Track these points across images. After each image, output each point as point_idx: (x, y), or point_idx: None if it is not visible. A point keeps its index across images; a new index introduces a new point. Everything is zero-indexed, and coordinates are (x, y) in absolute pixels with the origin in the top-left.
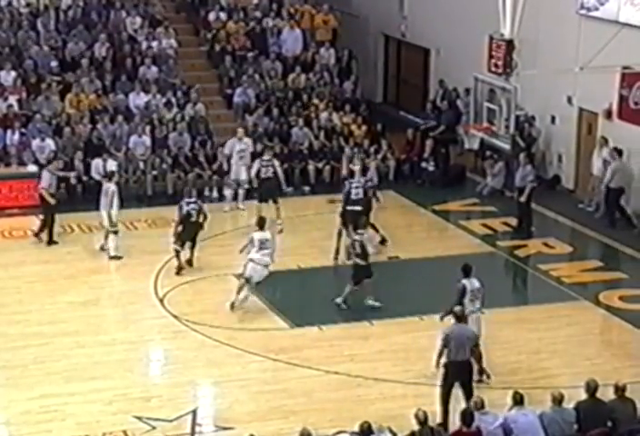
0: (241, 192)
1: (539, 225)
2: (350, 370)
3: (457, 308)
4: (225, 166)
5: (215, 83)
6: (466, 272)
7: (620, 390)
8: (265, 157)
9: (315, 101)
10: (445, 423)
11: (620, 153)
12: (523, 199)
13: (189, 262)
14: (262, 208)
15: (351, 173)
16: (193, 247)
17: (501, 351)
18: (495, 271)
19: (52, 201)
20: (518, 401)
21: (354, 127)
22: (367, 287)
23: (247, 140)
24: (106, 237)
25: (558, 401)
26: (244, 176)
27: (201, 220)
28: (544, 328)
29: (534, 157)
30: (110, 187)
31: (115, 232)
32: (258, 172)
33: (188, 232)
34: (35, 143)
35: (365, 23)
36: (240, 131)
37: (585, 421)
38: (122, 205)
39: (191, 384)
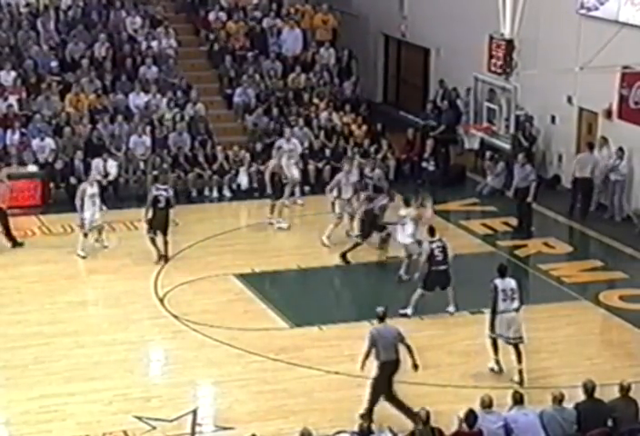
0: (296, 188)
1: (539, 225)
2: (350, 370)
3: (378, 309)
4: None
5: (215, 83)
6: (501, 272)
7: (625, 389)
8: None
9: (315, 101)
10: (412, 414)
11: (591, 145)
12: (530, 199)
13: (164, 257)
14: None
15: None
16: (165, 242)
17: (501, 350)
18: (496, 271)
19: (3, 206)
20: (518, 400)
21: (354, 127)
22: (447, 295)
23: (295, 140)
24: (100, 233)
25: (559, 400)
26: (296, 174)
27: (169, 206)
28: (544, 328)
29: (533, 157)
30: (82, 186)
31: (85, 235)
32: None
33: (157, 219)
34: (35, 142)
35: (364, 23)
36: (288, 131)
37: (584, 422)
38: (122, 205)
39: (191, 384)
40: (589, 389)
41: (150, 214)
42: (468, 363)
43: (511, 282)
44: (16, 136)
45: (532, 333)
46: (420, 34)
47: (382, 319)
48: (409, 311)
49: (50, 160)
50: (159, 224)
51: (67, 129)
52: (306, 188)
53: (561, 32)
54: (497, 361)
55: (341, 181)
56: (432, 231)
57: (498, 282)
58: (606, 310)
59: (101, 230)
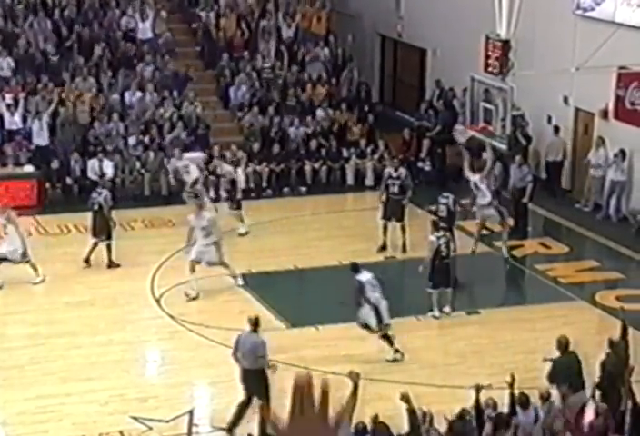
0: None
1: (535, 225)
2: (347, 370)
3: (250, 316)
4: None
5: (212, 82)
6: (355, 269)
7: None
8: None
9: (312, 97)
10: (232, 428)
11: (557, 129)
12: (526, 199)
13: (110, 262)
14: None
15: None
16: (109, 247)
17: (497, 350)
18: (492, 271)
19: None
20: (524, 402)
21: (351, 126)
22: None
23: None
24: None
25: (545, 398)
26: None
27: (105, 211)
28: (540, 328)
29: (528, 157)
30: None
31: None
32: None
33: (96, 222)
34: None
35: (360, 23)
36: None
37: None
38: (118, 206)
39: (187, 385)
40: (563, 344)
41: (91, 218)
42: (465, 364)
43: (368, 275)
44: (17, 118)
45: (528, 334)
46: (416, 35)
47: (254, 327)
48: (436, 313)
49: (46, 160)
50: (98, 228)
51: (63, 128)
52: (303, 189)
53: (557, 32)
54: (397, 350)
55: (193, 228)
56: (436, 225)
57: (360, 276)
58: (603, 310)
59: (31, 264)
